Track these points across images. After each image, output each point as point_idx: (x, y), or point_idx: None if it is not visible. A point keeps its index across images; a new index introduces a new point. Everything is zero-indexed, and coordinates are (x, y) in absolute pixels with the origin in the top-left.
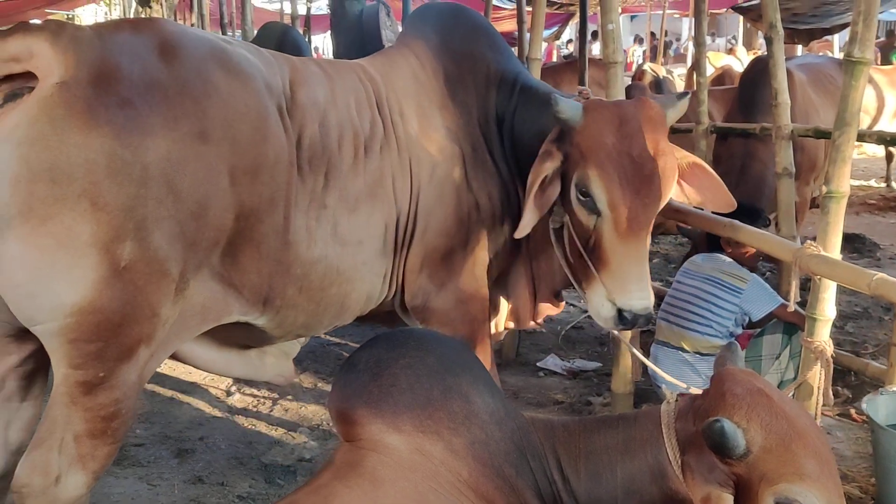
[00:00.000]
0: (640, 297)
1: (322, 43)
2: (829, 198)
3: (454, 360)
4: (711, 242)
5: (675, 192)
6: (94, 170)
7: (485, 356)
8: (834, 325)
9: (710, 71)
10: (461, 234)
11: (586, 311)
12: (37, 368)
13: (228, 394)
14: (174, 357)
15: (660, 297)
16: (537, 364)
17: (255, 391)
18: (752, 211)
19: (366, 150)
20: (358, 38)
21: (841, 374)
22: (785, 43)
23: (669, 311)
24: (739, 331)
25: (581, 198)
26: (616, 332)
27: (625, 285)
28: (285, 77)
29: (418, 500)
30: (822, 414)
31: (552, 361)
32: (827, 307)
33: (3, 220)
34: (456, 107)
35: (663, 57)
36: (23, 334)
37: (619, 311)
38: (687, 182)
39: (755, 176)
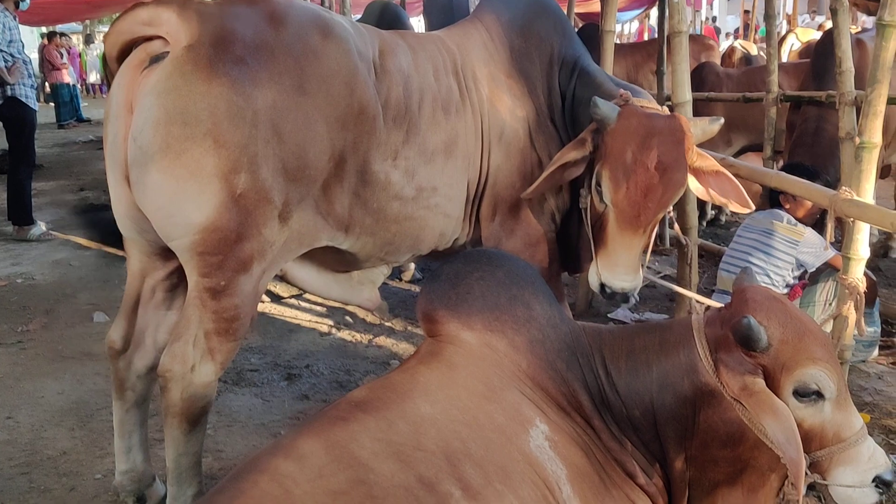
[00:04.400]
0: (623, 280)
1: (416, 25)
2: (861, 148)
3: (519, 275)
4: (772, 200)
5: (700, 192)
6: (215, 114)
7: (554, 288)
8: None
9: (797, 46)
10: (526, 189)
11: (659, 273)
12: (178, 283)
13: (330, 332)
14: (287, 280)
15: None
16: (608, 315)
17: (353, 331)
18: (810, 172)
19: (443, 111)
20: (449, 20)
21: None
22: (868, 14)
23: (729, 261)
24: (795, 281)
25: (598, 187)
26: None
27: (612, 267)
28: (375, 47)
29: (484, 382)
30: (877, 362)
31: (622, 313)
32: (860, 247)
33: (148, 156)
34: (521, 76)
35: (755, 34)
36: (167, 253)
37: (603, 285)
38: (711, 186)
39: (827, 140)
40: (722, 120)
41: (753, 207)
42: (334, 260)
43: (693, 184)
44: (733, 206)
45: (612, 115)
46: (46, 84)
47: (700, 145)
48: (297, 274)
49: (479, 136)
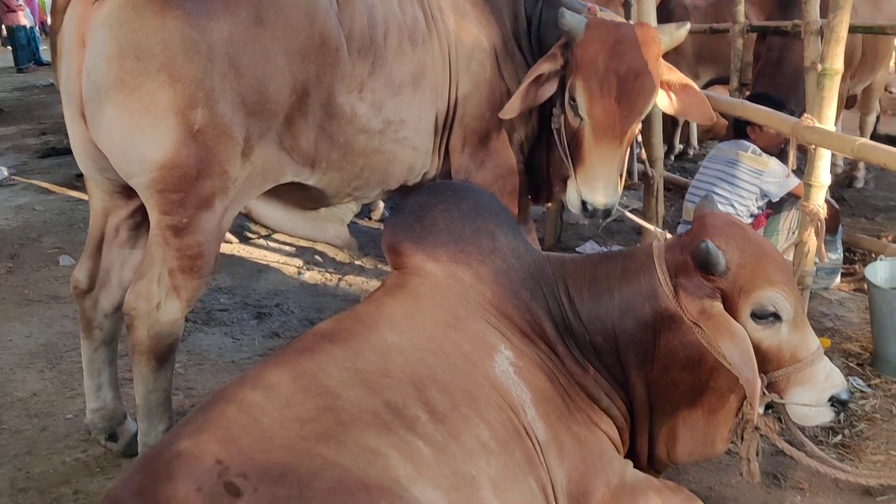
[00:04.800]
0: (604, 195)
1: None
2: (823, 75)
3: (484, 207)
4: (737, 131)
5: (665, 105)
6: (169, 47)
7: (521, 219)
8: (865, 216)
9: None
10: (495, 119)
11: (627, 207)
12: (142, 221)
13: (300, 272)
14: (252, 218)
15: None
16: (576, 249)
17: (323, 270)
18: (776, 102)
19: (409, 41)
20: None
21: (863, 257)
22: None
23: (695, 193)
24: (759, 211)
25: (571, 102)
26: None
27: (592, 183)
28: None
29: (450, 311)
30: (839, 289)
31: (590, 246)
32: (822, 174)
33: (102, 91)
34: (487, 4)
35: None
36: (129, 191)
37: (584, 203)
38: (678, 98)
39: (791, 70)
40: (688, 25)
41: (714, 119)
42: (301, 197)
43: (662, 99)
44: (696, 118)
45: (579, 26)
46: (3, 27)
47: None
48: (263, 211)
49: (447, 67)
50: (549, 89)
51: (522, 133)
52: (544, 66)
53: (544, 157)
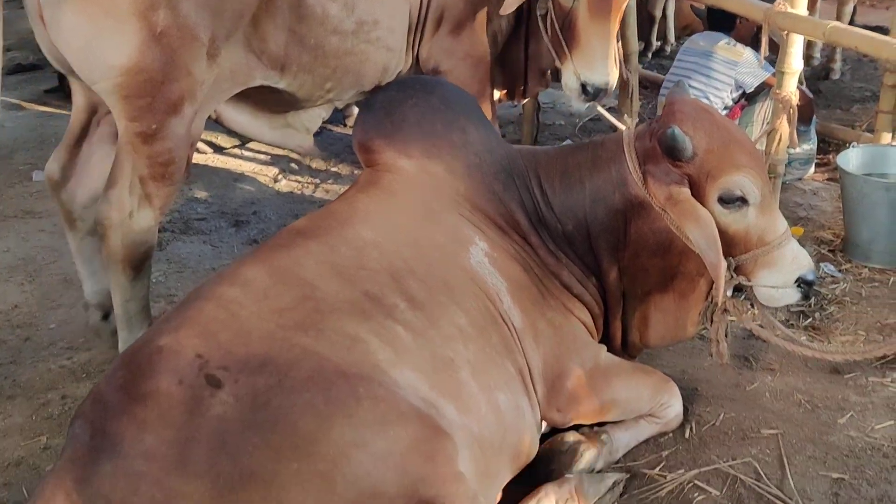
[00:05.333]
0: (602, 73)
1: None
2: None
3: (454, 100)
4: (712, 22)
5: None
6: None
7: (488, 110)
8: (840, 107)
9: None
10: (468, 9)
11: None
12: None
13: (276, 180)
14: (221, 122)
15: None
16: None
17: (299, 178)
18: None
19: None
20: None
21: (838, 147)
22: None
23: (669, 87)
24: (734, 102)
25: None
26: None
27: (590, 62)
28: None
29: (424, 206)
30: (812, 179)
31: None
32: (794, 60)
33: None
34: None
35: None
36: None
37: (584, 85)
38: None
39: None
40: None
41: None
42: (273, 101)
43: None
44: None
45: None
46: None
47: None
48: (231, 116)
49: None
50: None
51: (497, 25)
52: None
53: (521, 51)
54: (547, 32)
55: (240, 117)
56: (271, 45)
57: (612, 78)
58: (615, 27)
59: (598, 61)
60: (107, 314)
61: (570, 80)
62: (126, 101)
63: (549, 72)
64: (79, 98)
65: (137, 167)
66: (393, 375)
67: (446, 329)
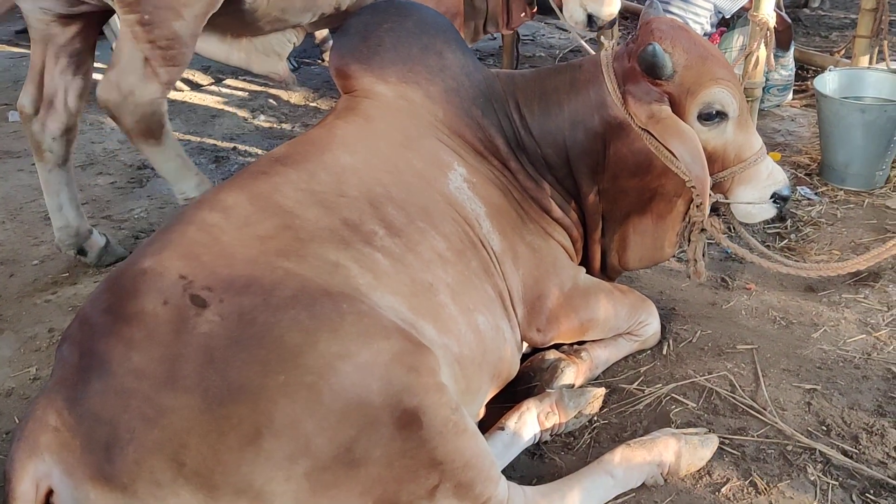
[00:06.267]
0: (608, 4)
1: None
2: None
3: (430, 24)
4: None
5: None
6: None
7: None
8: (819, 35)
9: None
10: None
11: (584, 36)
12: (83, 49)
13: (254, 116)
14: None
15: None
16: None
17: (277, 114)
18: None
19: None
20: None
21: (816, 74)
22: None
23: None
24: (713, 29)
25: None
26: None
27: None
28: None
29: (402, 132)
30: (790, 106)
31: None
32: None
33: None
34: None
35: None
36: (64, 19)
37: (590, 17)
38: None
39: None
40: None
41: None
42: (236, 23)
43: None
44: None
45: None
46: None
47: None
48: (200, 42)
49: None
50: None
51: None
52: None
53: None
54: None
55: (207, 44)
56: None
57: (617, 9)
58: None
59: None
60: (80, 249)
61: (575, 11)
62: None
63: (534, 1)
64: (35, 33)
65: (142, 50)
66: (373, 298)
67: (425, 254)
